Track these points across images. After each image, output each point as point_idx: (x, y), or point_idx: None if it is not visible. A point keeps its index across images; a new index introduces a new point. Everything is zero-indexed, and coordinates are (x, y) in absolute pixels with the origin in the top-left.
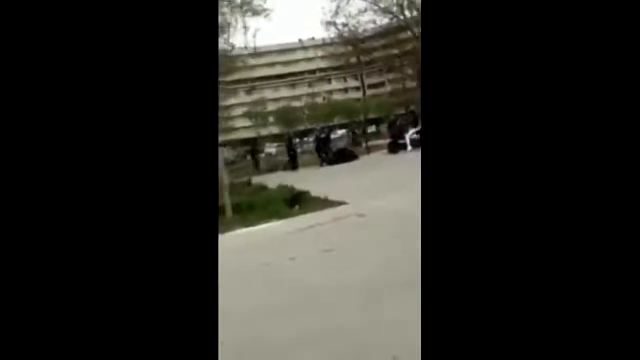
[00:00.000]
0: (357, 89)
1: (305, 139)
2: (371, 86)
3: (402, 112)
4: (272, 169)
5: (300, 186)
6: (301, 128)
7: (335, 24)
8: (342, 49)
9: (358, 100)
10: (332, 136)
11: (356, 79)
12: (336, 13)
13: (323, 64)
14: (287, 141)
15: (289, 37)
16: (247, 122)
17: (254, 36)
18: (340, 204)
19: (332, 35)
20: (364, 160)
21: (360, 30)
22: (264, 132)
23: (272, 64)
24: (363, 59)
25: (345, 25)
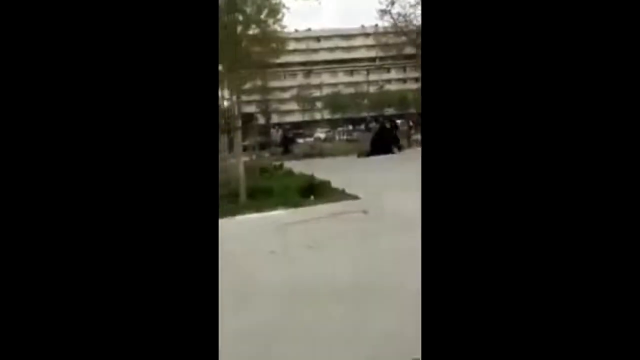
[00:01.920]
0: (416, 79)
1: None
2: None
3: None
4: (310, 155)
5: (328, 175)
6: (354, 115)
7: (390, 13)
8: (396, 39)
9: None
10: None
11: (415, 69)
12: (392, 2)
13: (382, 53)
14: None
15: (340, 24)
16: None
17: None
18: (354, 197)
19: (387, 24)
20: (406, 153)
21: (415, 22)
22: (316, 116)
23: (333, 49)
24: (413, 50)
25: (400, 15)
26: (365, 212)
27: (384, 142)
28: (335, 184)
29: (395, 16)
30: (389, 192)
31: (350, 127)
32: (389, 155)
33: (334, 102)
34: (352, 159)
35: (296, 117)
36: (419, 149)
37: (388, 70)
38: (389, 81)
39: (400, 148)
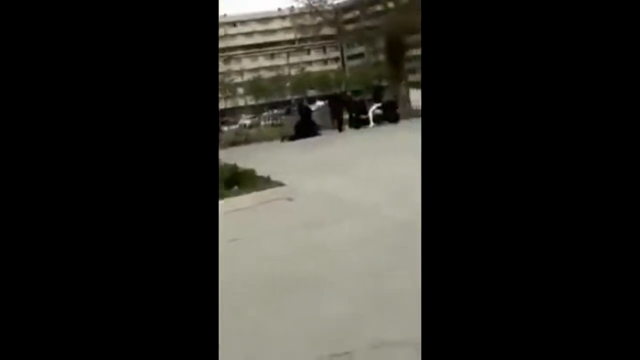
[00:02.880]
0: (336, 59)
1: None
2: (351, 57)
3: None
4: (235, 142)
5: (253, 162)
6: (278, 99)
7: None
8: (312, 20)
9: (336, 71)
10: (312, 107)
11: (335, 49)
12: None
13: (300, 35)
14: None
15: (254, 7)
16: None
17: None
18: (278, 184)
19: (301, 5)
20: (327, 136)
21: (329, 1)
22: (240, 102)
23: (250, 33)
24: (332, 30)
25: None
26: (290, 199)
27: (307, 125)
28: (261, 171)
29: None
30: (313, 176)
31: (275, 112)
32: (315, 138)
33: (255, 87)
34: (277, 144)
35: (220, 105)
36: (342, 132)
37: (308, 52)
38: (309, 63)
39: (318, 130)
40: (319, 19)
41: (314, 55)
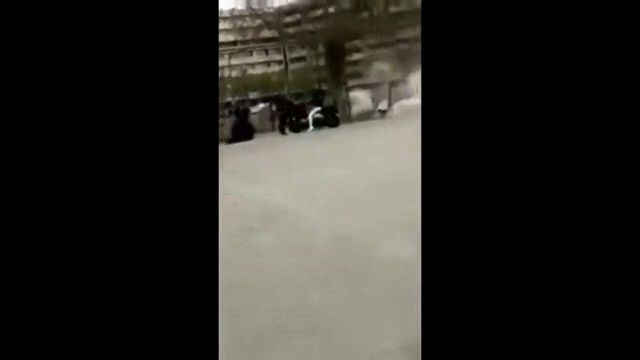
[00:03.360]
0: (279, 62)
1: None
2: (293, 60)
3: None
4: None
5: None
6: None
7: None
8: (251, 22)
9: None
10: (254, 110)
11: (277, 52)
12: None
13: (240, 37)
14: None
15: None
16: None
17: None
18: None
19: (240, 7)
20: (265, 139)
21: (269, 3)
22: None
23: None
24: (272, 33)
25: None
26: (235, 204)
27: (245, 128)
28: None
29: None
30: (244, 182)
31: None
32: (253, 141)
33: None
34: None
35: None
36: (280, 134)
37: (250, 53)
38: (252, 65)
39: (254, 133)
40: (258, 21)
41: (256, 58)
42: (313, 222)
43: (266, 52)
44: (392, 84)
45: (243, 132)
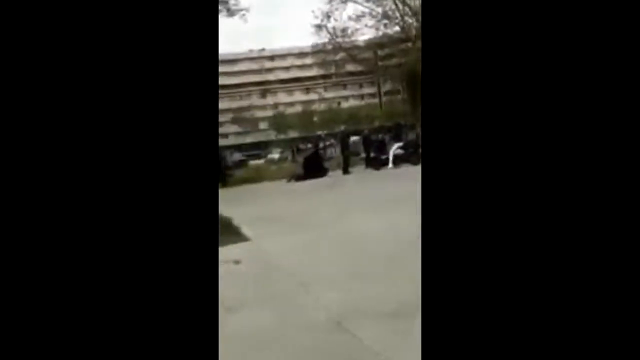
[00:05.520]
0: (373, 95)
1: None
2: (387, 93)
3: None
4: (250, 179)
5: (241, 206)
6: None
7: (326, 28)
8: (333, 56)
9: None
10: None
11: (372, 85)
12: (327, 16)
13: (322, 71)
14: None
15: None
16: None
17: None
18: (245, 239)
19: (325, 40)
20: (336, 178)
21: (354, 37)
22: (271, 136)
23: (288, 68)
24: (359, 66)
25: (341, 29)
26: (237, 262)
27: (317, 164)
28: (239, 219)
29: (332, 30)
30: (290, 231)
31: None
32: (323, 179)
33: (279, 121)
34: (282, 184)
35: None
36: (358, 170)
37: (344, 86)
38: (346, 98)
39: (325, 171)
40: (341, 54)
41: (350, 91)
42: (325, 302)
43: (360, 85)
44: None
45: (316, 167)
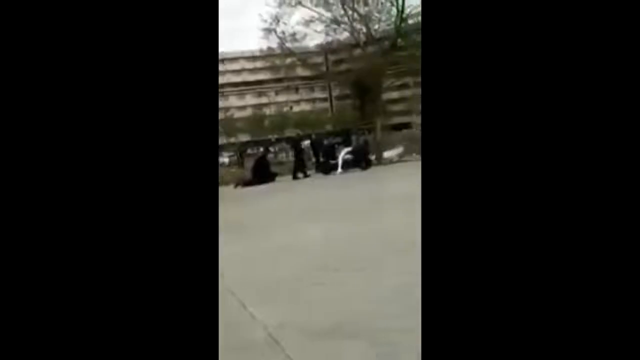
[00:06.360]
0: (325, 99)
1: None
2: (339, 98)
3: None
4: None
5: None
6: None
7: (275, 32)
8: (282, 60)
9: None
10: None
11: (323, 90)
12: (277, 20)
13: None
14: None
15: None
16: None
17: None
18: None
19: (274, 45)
20: (284, 183)
21: (304, 42)
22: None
23: (239, 71)
24: (309, 71)
25: (291, 34)
26: None
27: (265, 169)
28: None
29: (281, 35)
30: (222, 242)
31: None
32: (273, 184)
33: (229, 125)
34: (229, 190)
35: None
36: (317, 175)
37: (296, 90)
38: (297, 102)
39: (273, 175)
40: (291, 59)
41: (302, 95)
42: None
43: (312, 89)
44: None
45: (264, 173)
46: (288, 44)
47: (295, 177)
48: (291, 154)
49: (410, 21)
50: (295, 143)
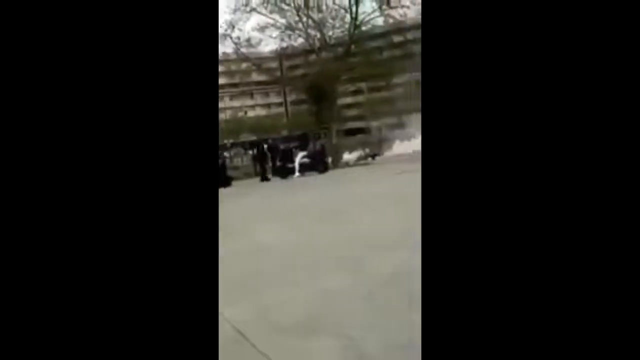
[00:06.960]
0: (280, 104)
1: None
2: (295, 103)
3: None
4: None
5: None
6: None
7: (230, 37)
8: (238, 65)
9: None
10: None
11: (278, 95)
12: (232, 26)
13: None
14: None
15: None
16: None
17: None
18: None
19: (229, 50)
20: (247, 184)
21: (259, 47)
22: None
23: None
24: (261, 77)
25: (246, 39)
26: None
27: (221, 175)
28: None
29: (237, 40)
30: None
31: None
32: (228, 189)
33: None
34: None
35: None
36: (274, 179)
37: (251, 95)
38: (252, 107)
39: (229, 179)
40: (246, 64)
41: (257, 100)
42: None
43: (267, 94)
44: (386, 127)
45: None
46: (243, 50)
47: (264, 179)
48: (246, 158)
49: (363, 28)
50: (257, 146)
